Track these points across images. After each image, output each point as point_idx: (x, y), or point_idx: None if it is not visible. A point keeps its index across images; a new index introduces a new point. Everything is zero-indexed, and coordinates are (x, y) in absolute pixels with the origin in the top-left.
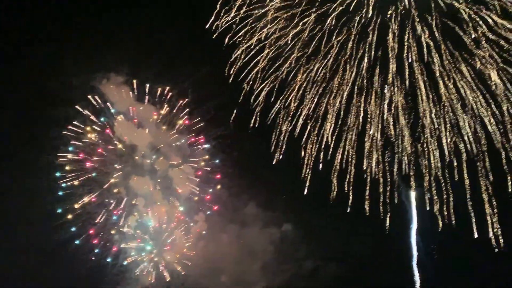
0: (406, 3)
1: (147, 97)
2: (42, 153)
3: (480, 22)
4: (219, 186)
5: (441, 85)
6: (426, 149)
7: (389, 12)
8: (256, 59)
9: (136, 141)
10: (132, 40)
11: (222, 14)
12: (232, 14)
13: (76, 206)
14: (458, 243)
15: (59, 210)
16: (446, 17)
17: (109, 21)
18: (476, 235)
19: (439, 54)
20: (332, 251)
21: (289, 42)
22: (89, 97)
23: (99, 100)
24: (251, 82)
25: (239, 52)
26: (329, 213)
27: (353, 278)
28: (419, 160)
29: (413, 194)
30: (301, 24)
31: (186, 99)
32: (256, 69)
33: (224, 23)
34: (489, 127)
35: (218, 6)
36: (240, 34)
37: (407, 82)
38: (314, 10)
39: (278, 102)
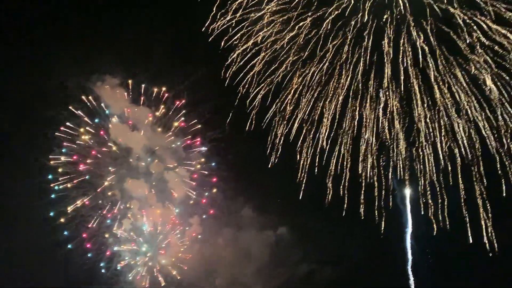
0: (402, 8)
1: (142, 98)
2: (34, 154)
3: (475, 27)
4: (215, 190)
5: (436, 90)
6: (421, 153)
7: (385, 17)
8: (252, 62)
9: (131, 143)
10: (127, 42)
11: (218, 17)
12: (228, 17)
13: (69, 209)
14: (452, 247)
15: (52, 214)
16: (441, 22)
17: (105, 23)
18: (470, 240)
19: (434, 59)
20: (327, 255)
21: (285, 45)
22: (83, 98)
23: (93, 102)
24: (247, 85)
25: (235, 55)
26: (324, 216)
27: (348, 281)
28: (414, 164)
29: (408, 198)
30: (297, 27)
31: (183, 100)
32: (252, 72)
33: (220, 26)
34: (483, 131)
35: (214, 9)
36: (236, 37)
37: (402, 87)
38: (310, 14)
39: (274, 106)
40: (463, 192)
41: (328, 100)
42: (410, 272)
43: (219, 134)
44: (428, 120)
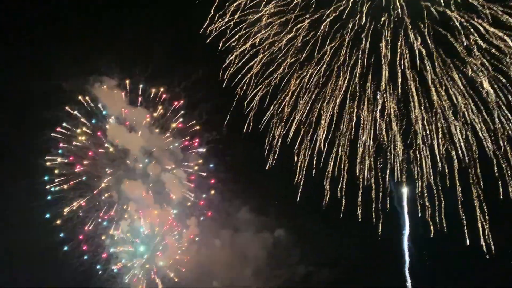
0: (399, 10)
1: (140, 98)
2: (30, 155)
3: (472, 30)
4: (213, 192)
5: (433, 92)
6: (418, 155)
7: (382, 19)
8: (249, 64)
9: (128, 144)
10: (125, 43)
11: (216, 19)
12: (226, 19)
13: (65, 211)
14: (450, 249)
15: (48, 215)
16: (438, 25)
17: (103, 24)
18: (468, 242)
19: (431, 61)
20: (325, 257)
21: (282, 47)
22: (80, 98)
23: (90, 102)
24: (244, 87)
25: (233, 56)
26: (322, 218)
27: (346, 283)
28: (411, 166)
29: (405, 200)
30: (294, 29)
31: (181, 101)
32: (249, 74)
33: (218, 28)
34: (480, 134)
35: (212, 10)
36: (234, 39)
37: (399, 89)
38: (308, 16)
39: (272, 107)
40: (460, 194)
41: (326, 102)
42: (407, 274)
43: (217, 135)
44: (425, 123)
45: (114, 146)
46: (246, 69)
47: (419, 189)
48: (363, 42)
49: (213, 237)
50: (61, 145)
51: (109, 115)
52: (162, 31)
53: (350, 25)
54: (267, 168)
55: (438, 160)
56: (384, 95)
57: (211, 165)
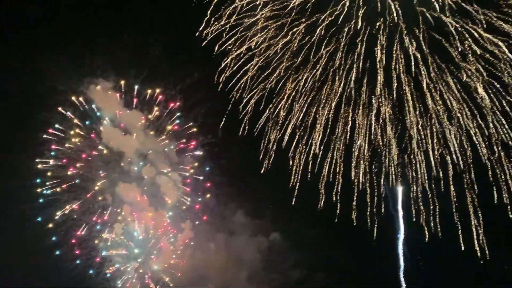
0: (394, 15)
1: (135, 100)
2: (22, 158)
3: (467, 36)
4: (208, 195)
5: (428, 97)
6: (413, 160)
7: (378, 24)
8: (245, 68)
9: (123, 147)
10: (121, 45)
11: (212, 22)
12: (223, 22)
13: (58, 214)
14: (444, 253)
15: (39, 219)
16: (433, 30)
17: (99, 26)
18: (462, 246)
19: (426, 66)
20: (319, 261)
21: (278, 51)
22: (74, 99)
23: (84, 103)
24: (240, 91)
25: (229, 60)
26: (317, 222)
27: (340, 287)
28: (406, 171)
29: (400, 205)
30: (290, 33)
31: (177, 102)
32: (245, 78)
33: (214, 31)
34: (474, 139)
35: (208, 13)
36: (230, 42)
37: (394, 93)
38: (303, 20)
39: (267, 111)
40: (455, 199)
41: (321, 106)
42: (402, 278)
43: (212, 139)
44: (420, 127)
45: (108, 149)
46: (241, 72)
47: (414, 194)
48: (359, 46)
49: (208, 240)
50: (53, 147)
51: (103, 117)
52: (158, 33)
53: (346, 29)
54: (262, 171)
55: (433, 165)
56: (379, 100)
57: (207, 168)
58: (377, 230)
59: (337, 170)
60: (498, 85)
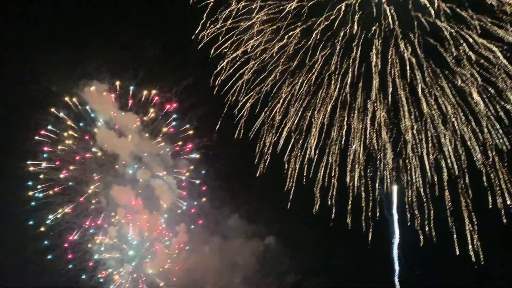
0: (390, 20)
1: (130, 101)
2: (13, 159)
3: (462, 41)
4: (204, 199)
5: (423, 102)
6: (408, 164)
7: (373, 29)
8: (241, 71)
9: (117, 149)
10: (117, 47)
11: (208, 25)
12: (219, 25)
13: (50, 217)
14: (439, 258)
15: (31, 222)
16: (428, 35)
17: (95, 27)
18: (457, 251)
19: (421, 71)
20: (315, 264)
21: (274, 55)
22: (67, 100)
23: (78, 104)
24: (236, 94)
25: (224, 63)
26: (312, 226)
27: None
28: (401, 175)
29: (395, 209)
30: (286, 37)
31: (174, 104)
32: (241, 81)
33: (210, 34)
34: (469, 143)
35: (204, 17)
36: (225, 46)
37: (389, 98)
38: (299, 24)
39: (263, 115)
40: (450, 203)
41: (317, 110)
42: (397, 283)
43: (208, 142)
44: (415, 132)
45: (102, 151)
46: (237, 75)
47: (409, 198)
48: (354, 51)
49: (203, 244)
50: (46, 149)
51: (98, 119)
52: (154, 36)
53: (341, 34)
54: (257, 175)
55: (428, 169)
56: (375, 104)
57: (203, 172)
58: (372, 234)
59: (333, 174)
60: (492, 90)
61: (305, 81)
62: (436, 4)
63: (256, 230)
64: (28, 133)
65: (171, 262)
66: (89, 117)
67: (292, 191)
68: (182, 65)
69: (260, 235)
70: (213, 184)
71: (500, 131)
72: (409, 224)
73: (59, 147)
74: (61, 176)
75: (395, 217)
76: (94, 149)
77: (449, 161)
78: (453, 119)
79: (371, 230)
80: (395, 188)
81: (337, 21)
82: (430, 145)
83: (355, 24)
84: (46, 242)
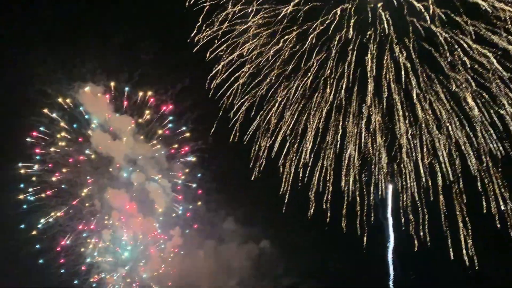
0: (385, 25)
1: (125, 103)
2: (4, 162)
3: (456, 46)
4: (199, 203)
5: (417, 106)
6: (403, 169)
7: (368, 34)
8: (236, 74)
9: (111, 151)
10: (112, 49)
11: (204, 28)
12: (214, 29)
13: (42, 221)
14: (434, 263)
15: (22, 226)
16: (423, 40)
17: (91, 29)
18: (452, 256)
19: (416, 76)
20: (309, 268)
21: (269, 58)
22: (60, 100)
23: (71, 105)
24: (231, 97)
25: (220, 66)
26: (307, 230)
27: None
28: (396, 179)
29: (389, 213)
30: (282, 41)
31: (170, 106)
32: (236, 84)
33: (206, 37)
34: (463, 148)
35: (200, 20)
36: (221, 49)
37: (384, 102)
38: (295, 28)
39: (258, 118)
40: (444, 208)
41: (312, 114)
42: (392, 287)
43: (203, 145)
44: (409, 136)
45: (97, 153)
46: (233, 79)
47: (403, 203)
48: (350, 55)
49: (197, 248)
50: (38, 151)
51: (92, 120)
52: (150, 38)
53: (337, 38)
54: (252, 178)
55: (422, 174)
56: (370, 108)
57: (198, 175)
58: (367, 238)
59: (327, 178)
60: (486, 95)
61: (301, 85)
62: (431, 10)
63: (251, 234)
64: (20, 134)
65: (165, 266)
66: (83, 118)
67: (287, 195)
68: (178, 68)
69: (255, 238)
70: (208, 187)
71: (494, 136)
72: (403, 228)
73: (52, 149)
74: (54, 178)
75: (390, 221)
76: (88, 152)
77: (443, 166)
78: (448, 124)
79: (366, 234)
80: (389, 193)
81: (333, 26)
82: (424, 149)
83: (351, 29)
84: (38, 246)
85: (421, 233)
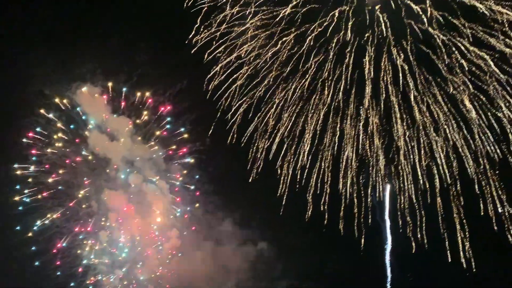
0: (383, 27)
1: (123, 103)
2: (1, 163)
3: (454, 49)
4: (197, 204)
5: (415, 109)
6: (400, 171)
7: (366, 36)
8: (234, 76)
9: (109, 153)
10: (110, 51)
11: (202, 29)
12: (212, 30)
13: (38, 222)
14: (431, 265)
15: (18, 227)
16: (420, 43)
17: (89, 30)
18: (449, 258)
19: (413, 78)
20: (307, 270)
21: (267, 60)
22: (57, 101)
23: (68, 106)
24: (229, 99)
25: (218, 68)
26: (305, 232)
27: None
28: (393, 181)
29: (387, 215)
30: (280, 43)
31: (168, 106)
32: (234, 86)
33: (203, 39)
34: (460, 150)
35: (198, 21)
36: (219, 50)
37: (382, 105)
38: (293, 30)
39: (256, 120)
40: (442, 210)
41: (310, 116)
42: None
43: (200, 146)
44: (407, 139)
45: (94, 155)
46: (231, 80)
47: (401, 205)
48: (347, 57)
49: (195, 250)
50: (34, 152)
51: (89, 121)
52: (148, 39)
53: (335, 40)
54: (250, 180)
55: (420, 176)
56: (367, 110)
57: (196, 176)
58: (365, 240)
59: (325, 180)
60: (484, 98)
61: (298, 87)
62: (428, 12)
63: (249, 235)
64: (16, 135)
65: (163, 268)
66: (80, 119)
67: (285, 197)
68: (176, 69)
69: (253, 240)
70: (206, 188)
71: (492, 139)
72: (401, 230)
73: (49, 150)
74: (50, 180)
75: (388, 223)
76: (85, 153)
77: (441, 168)
78: (445, 126)
79: (363, 236)
80: (387, 195)
81: (331, 28)
82: (422, 152)
83: (349, 31)
84: (34, 248)
85: (419, 235)
